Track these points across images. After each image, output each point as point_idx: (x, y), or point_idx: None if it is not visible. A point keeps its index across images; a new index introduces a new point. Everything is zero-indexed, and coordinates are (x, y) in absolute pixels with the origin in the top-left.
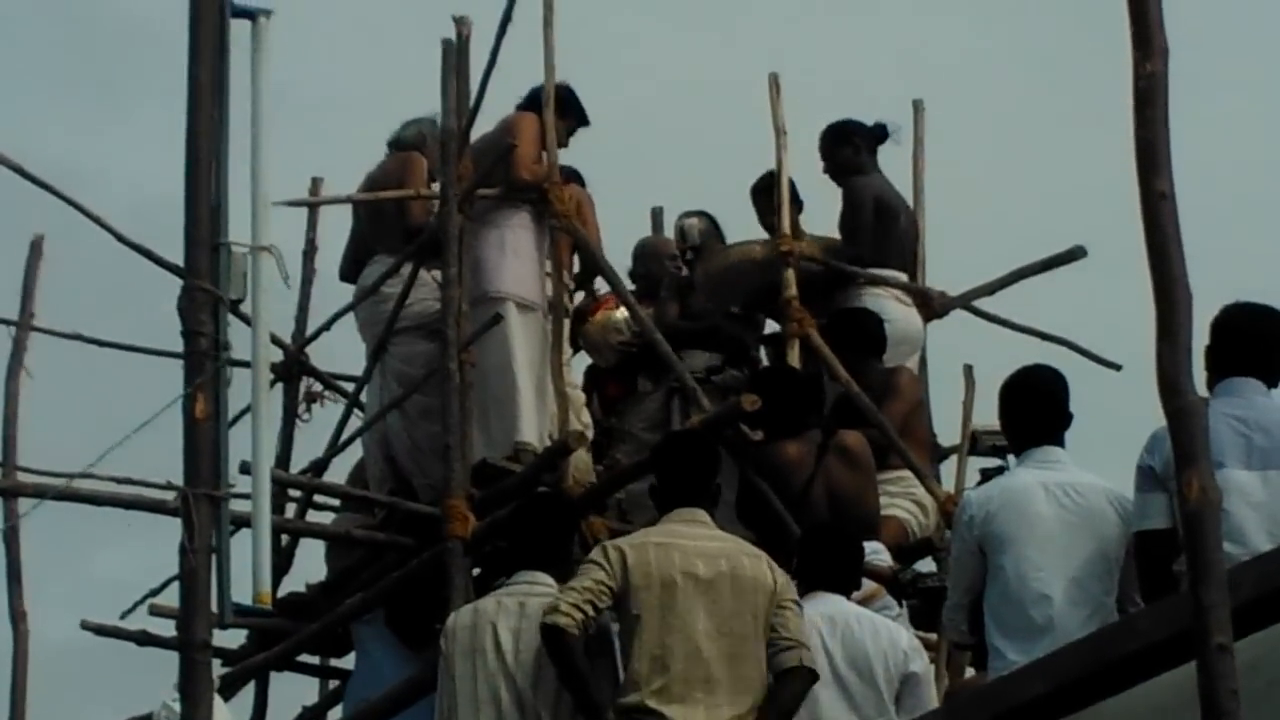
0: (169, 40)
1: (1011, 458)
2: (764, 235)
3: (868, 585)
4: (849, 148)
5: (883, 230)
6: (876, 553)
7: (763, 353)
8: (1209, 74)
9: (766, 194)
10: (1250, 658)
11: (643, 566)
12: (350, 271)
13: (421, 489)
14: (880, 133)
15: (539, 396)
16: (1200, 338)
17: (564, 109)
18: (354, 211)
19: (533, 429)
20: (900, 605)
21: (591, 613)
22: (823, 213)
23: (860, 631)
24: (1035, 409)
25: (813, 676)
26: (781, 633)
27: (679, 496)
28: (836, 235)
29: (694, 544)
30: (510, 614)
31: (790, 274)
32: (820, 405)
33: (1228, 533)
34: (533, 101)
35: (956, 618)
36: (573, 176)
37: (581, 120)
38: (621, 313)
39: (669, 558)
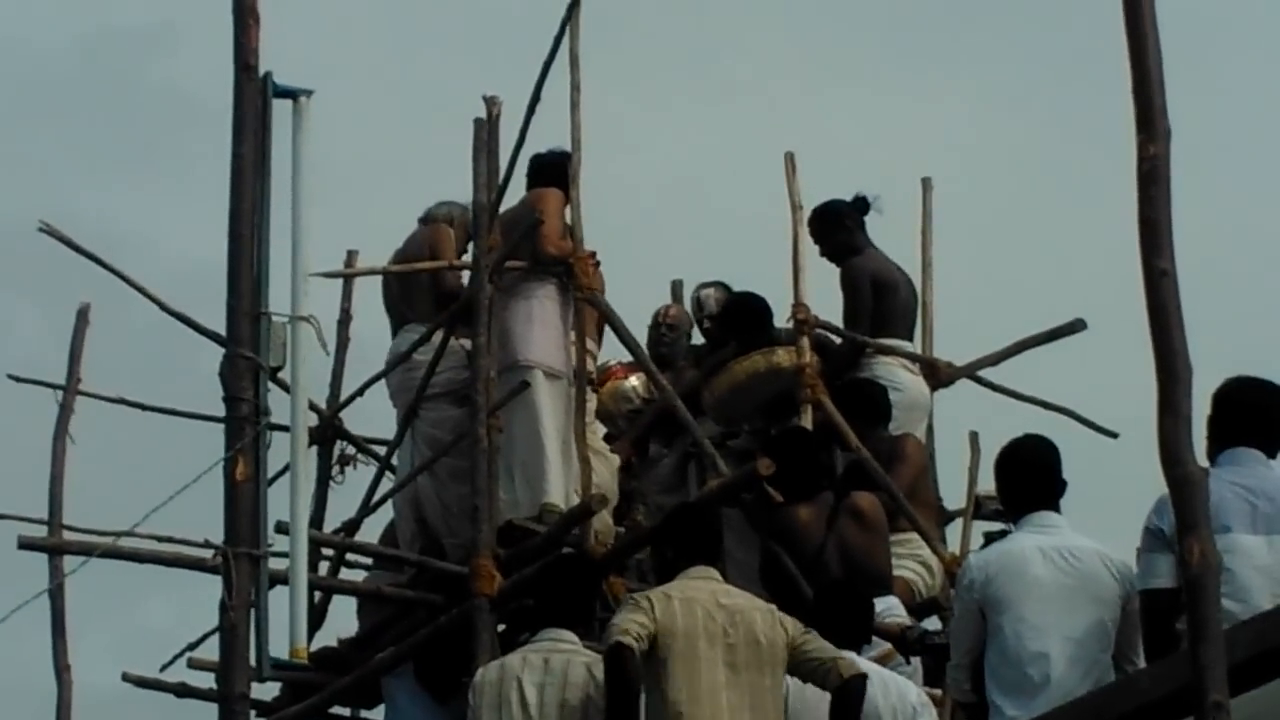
0: (214, 113)
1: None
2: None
3: (883, 646)
4: (842, 230)
5: (884, 306)
6: (892, 609)
7: None
8: (1210, 151)
9: (739, 318)
10: (1246, 715)
11: (669, 618)
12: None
13: (451, 548)
14: (863, 206)
15: (565, 460)
16: (1201, 410)
17: (562, 174)
18: (384, 282)
19: (559, 492)
20: (908, 662)
21: (646, 635)
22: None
23: (871, 687)
24: (1028, 477)
25: (863, 679)
26: (815, 655)
27: (690, 559)
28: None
29: (711, 599)
30: (535, 669)
31: (805, 342)
32: (832, 468)
33: (1233, 593)
34: (536, 174)
35: (959, 677)
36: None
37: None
38: (630, 382)
39: (691, 611)
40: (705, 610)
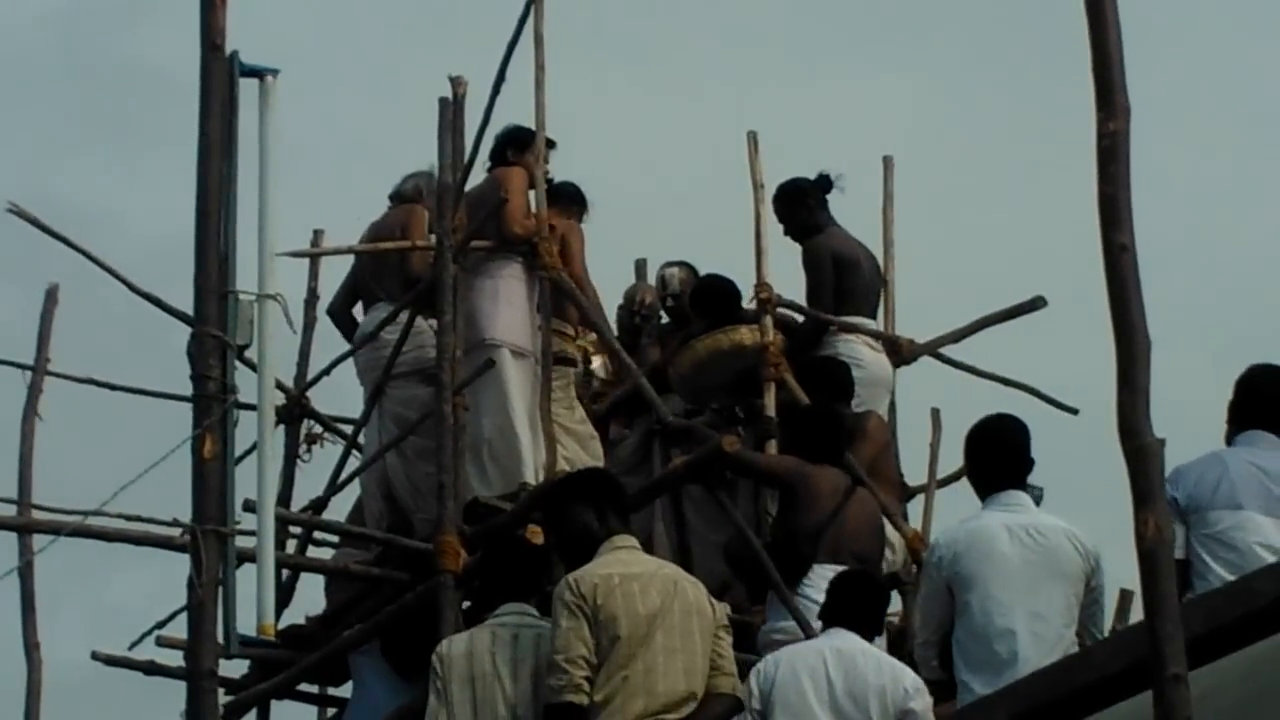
0: (183, 90)
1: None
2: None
3: None
4: (804, 208)
5: (846, 282)
6: None
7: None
8: (1169, 127)
9: (709, 299)
10: (1203, 689)
11: (610, 603)
12: (341, 309)
13: (421, 525)
14: (826, 184)
15: (535, 438)
16: (1158, 385)
17: (525, 150)
18: (356, 257)
19: (533, 470)
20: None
21: (590, 678)
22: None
23: (864, 664)
24: (998, 456)
25: (739, 705)
26: (721, 661)
27: (615, 524)
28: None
29: (643, 572)
30: (505, 644)
31: (768, 320)
32: (839, 446)
33: (1240, 569)
34: (499, 153)
35: (928, 654)
36: (573, 198)
37: (549, 146)
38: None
39: (630, 590)
40: (642, 586)
